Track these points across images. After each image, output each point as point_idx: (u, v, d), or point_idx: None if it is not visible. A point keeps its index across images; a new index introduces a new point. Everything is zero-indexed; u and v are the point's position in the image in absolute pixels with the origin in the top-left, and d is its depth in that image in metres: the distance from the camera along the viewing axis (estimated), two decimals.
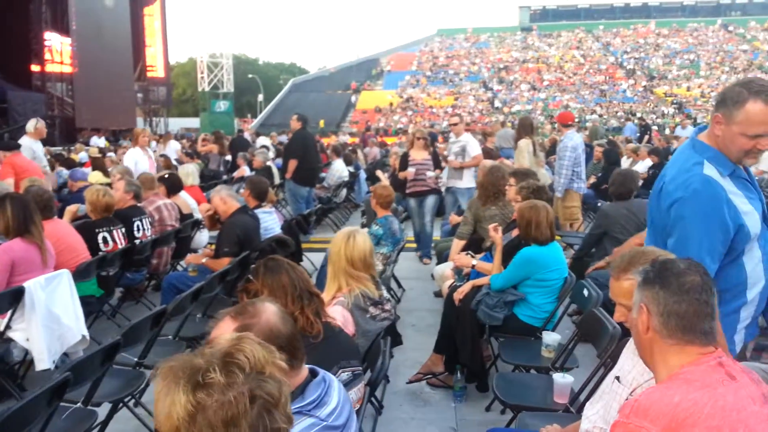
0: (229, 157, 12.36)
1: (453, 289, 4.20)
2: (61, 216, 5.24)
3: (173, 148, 11.81)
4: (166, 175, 6.24)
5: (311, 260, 6.58)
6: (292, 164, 8.11)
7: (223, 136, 13.33)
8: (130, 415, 3.27)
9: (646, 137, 16.16)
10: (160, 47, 35.34)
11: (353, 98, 48.17)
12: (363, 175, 11.89)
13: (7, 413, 2.07)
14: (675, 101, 40.28)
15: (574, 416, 2.60)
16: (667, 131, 27.32)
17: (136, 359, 3.31)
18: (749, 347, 2.93)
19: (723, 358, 1.51)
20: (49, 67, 24.61)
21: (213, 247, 5.16)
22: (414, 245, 7.44)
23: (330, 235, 4.73)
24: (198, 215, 6.12)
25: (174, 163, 10.00)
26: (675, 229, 2.19)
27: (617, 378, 1.98)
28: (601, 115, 37.21)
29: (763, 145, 2.10)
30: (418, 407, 3.84)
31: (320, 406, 1.52)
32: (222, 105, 45.78)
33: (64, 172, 8.74)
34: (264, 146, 12.84)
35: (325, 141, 20.40)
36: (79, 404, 2.74)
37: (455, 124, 7.52)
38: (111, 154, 13.26)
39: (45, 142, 8.88)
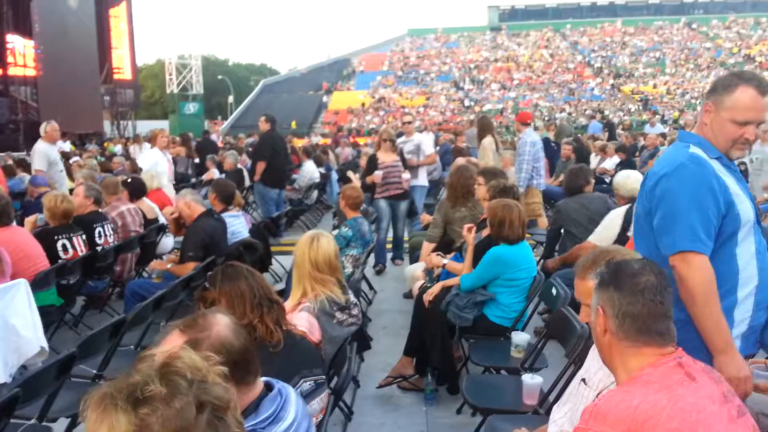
0: (198, 160, 12.16)
1: (423, 290, 4.16)
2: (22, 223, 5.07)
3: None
4: (129, 180, 6.08)
5: (282, 263, 6.49)
6: (261, 166, 8.00)
7: (190, 139, 13.10)
8: None
9: (607, 134, 16.30)
10: (126, 49, 34.74)
11: (325, 99, 47.98)
12: (335, 176, 11.81)
13: None
14: (641, 98, 40.99)
15: (543, 418, 2.57)
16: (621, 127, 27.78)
17: (94, 371, 3.19)
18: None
19: (682, 358, 1.49)
20: (12, 71, 24.02)
21: (179, 252, 5.04)
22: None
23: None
24: (163, 220, 5.98)
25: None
26: (661, 204, 2.07)
27: (583, 380, 1.96)
28: (570, 113, 37.70)
29: (750, 134, 2.08)
30: (388, 411, 3.79)
31: (275, 422, 1.45)
32: (191, 107, 45.21)
33: (27, 177, 8.48)
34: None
35: (297, 142, 20.24)
36: (33, 420, 2.63)
37: (409, 123, 7.61)
38: (77, 158, 12.94)
39: (9, 147, 8.65)
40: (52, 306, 4.44)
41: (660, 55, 48.89)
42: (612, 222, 4.44)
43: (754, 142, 2.17)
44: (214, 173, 10.62)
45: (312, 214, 10.53)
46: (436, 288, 3.99)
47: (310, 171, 10.35)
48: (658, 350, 1.51)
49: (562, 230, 5.13)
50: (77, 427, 2.97)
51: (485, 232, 4.09)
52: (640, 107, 39.63)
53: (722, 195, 2.03)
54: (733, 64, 46.13)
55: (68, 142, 21.21)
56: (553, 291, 3.48)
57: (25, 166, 9.98)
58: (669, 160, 2.13)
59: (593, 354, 2.02)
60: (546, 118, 36.51)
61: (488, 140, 7.73)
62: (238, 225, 5.18)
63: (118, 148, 21.83)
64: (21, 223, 5.12)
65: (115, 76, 33.81)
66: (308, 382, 2.05)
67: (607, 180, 8.78)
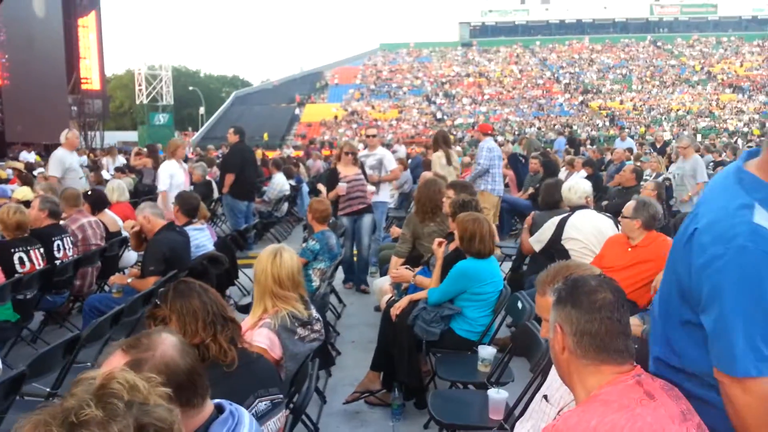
0: None
1: (390, 304, 4.12)
2: None
3: (121, 162, 11.35)
4: (90, 192, 5.93)
5: (250, 277, 6.38)
6: (229, 178, 7.90)
7: (157, 150, 12.89)
8: None
9: (573, 150, 16.51)
10: (95, 59, 34.19)
11: (297, 111, 47.89)
12: (306, 188, 11.74)
13: None
14: (608, 114, 41.86)
15: None
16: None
17: (48, 389, 3.06)
18: None
19: (641, 375, 1.48)
20: None
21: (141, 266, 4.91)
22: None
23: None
24: (126, 233, 5.83)
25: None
26: (713, 303, 1.51)
27: (545, 397, 1.94)
28: (539, 128, 38.26)
29: None
30: (355, 427, 3.73)
31: None
32: (161, 118, 44.71)
33: None
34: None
35: (269, 154, 20.08)
36: None
37: (372, 136, 7.37)
38: (41, 169, 12.61)
39: None
40: (7, 322, 4.29)
41: (626, 71, 50.09)
42: (548, 226, 4.71)
43: None
44: None
45: (282, 226, 10.43)
46: (404, 302, 3.95)
47: (279, 183, 10.26)
48: (616, 368, 1.49)
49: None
50: None
51: (452, 246, 4.07)
52: (607, 123, 40.44)
53: None
54: (697, 81, 47.53)
55: (33, 153, 20.73)
56: (519, 305, 3.48)
57: None
58: (724, 232, 1.52)
59: (555, 370, 2.00)
60: (516, 133, 37.05)
61: (437, 154, 7.82)
62: (202, 238, 5.08)
63: (83, 159, 21.36)
64: None
65: (83, 86, 33.21)
66: (264, 402, 1.98)
67: None
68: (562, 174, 10.47)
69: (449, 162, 7.82)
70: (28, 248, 4.59)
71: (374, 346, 4.19)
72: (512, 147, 17.55)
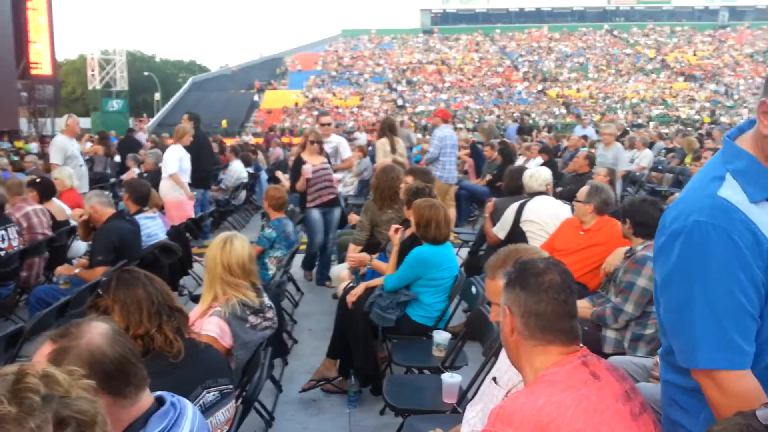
0: (118, 158, 11.64)
1: (347, 291, 4.11)
2: None
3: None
4: (38, 180, 5.72)
5: None
6: None
7: (108, 137, 12.52)
8: None
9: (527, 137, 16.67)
10: (46, 43, 32.89)
11: (257, 98, 47.18)
12: (264, 176, 11.59)
13: None
14: (565, 102, 42.58)
15: (461, 416, 2.57)
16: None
17: None
18: None
19: (587, 356, 1.50)
20: None
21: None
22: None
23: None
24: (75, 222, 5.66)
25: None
26: (669, 286, 1.42)
27: (494, 379, 1.96)
28: (498, 116, 38.63)
29: None
30: (311, 415, 3.71)
31: None
32: (115, 104, 43.52)
33: None
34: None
35: (227, 141, 19.75)
36: None
37: (327, 124, 7.10)
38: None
39: None
40: None
41: (583, 60, 50.94)
42: (509, 212, 4.86)
43: None
44: (134, 173, 10.18)
45: (240, 215, 10.29)
46: (359, 289, 3.95)
47: (237, 171, 10.10)
48: (563, 349, 1.51)
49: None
50: None
51: (408, 232, 4.08)
52: (564, 111, 41.14)
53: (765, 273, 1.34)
54: (651, 69, 48.69)
55: None
56: (473, 290, 3.51)
57: None
58: (683, 208, 1.43)
59: (504, 353, 2.02)
60: (476, 120, 37.36)
61: (381, 141, 7.73)
62: (154, 227, 4.95)
63: (33, 147, 20.62)
64: None
65: (33, 72, 31.93)
66: (212, 393, 1.95)
67: None
68: (520, 160, 10.61)
69: (393, 150, 7.71)
70: None
71: (331, 334, 4.19)
72: (469, 134, 17.69)
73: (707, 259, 1.34)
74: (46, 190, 5.65)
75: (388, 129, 7.90)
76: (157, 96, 49.75)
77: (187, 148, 7.85)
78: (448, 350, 3.31)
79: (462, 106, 42.19)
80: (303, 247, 6.62)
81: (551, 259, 1.63)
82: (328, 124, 7.18)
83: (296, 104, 43.39)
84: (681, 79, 46.73)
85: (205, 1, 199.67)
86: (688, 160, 10.04)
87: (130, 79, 47.82)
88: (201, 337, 2.30)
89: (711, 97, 42.99)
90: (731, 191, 1.39)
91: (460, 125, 34.29)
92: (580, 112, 40.01)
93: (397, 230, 4.09)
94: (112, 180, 11.13)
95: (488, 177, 9.35)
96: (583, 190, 4.21)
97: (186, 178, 7.22)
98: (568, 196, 5.31)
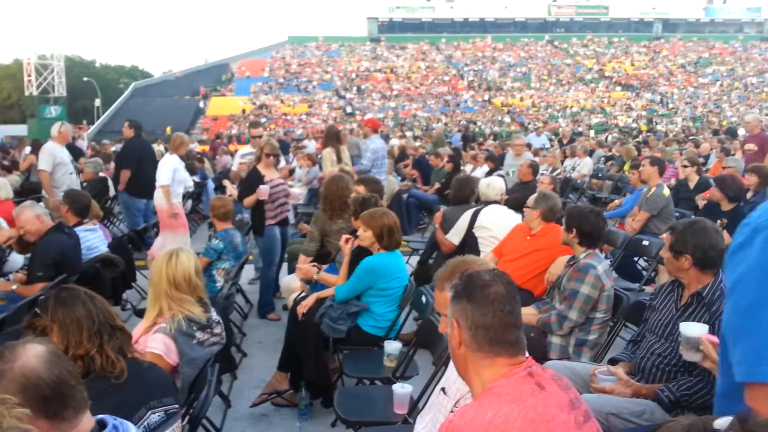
0: None
1: (297, 302, 4.07)
2: None
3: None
4: None
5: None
6: (125, 175, 7.49)
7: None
8: None
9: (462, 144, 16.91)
10: None
11: (202, 104, 46.28)
12: (211, 184, 11.36)
13: None
14: (509, 111, 43.58)
15: (412, 427, 2.58)
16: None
17: None
18: None
19: (532, 367, 1.54)
20: None
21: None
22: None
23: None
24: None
25: None
26: (742, 285, 1.26)
27: (443, 389, 1.98)
28: (446, 124, 39.17)
29: None
30: (261, 430, 3.66)
31: None
32: (53, 110, 41.81)
33: None
34: None
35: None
36: None
37: (258, 137, 6.73)
38: None
39: None
40: None
41: (526, 70, 52.28)
42: (463, 218, 4.97)
43: None
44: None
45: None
46: (310, 300, 3.91)
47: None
48: (509, 360, 1.54)
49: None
50: None
51: (356, 242, 4.07)
52: (508, 119, 42.10)
53: None
54: (590, 79, 50.44)
55: None
56: (423, 299, 3.54)
57: None
58: (762, 213, 1.29)
59: (453, 363, 2.04)
60: (424, 128, 37.77)
61: (327, 151, 7.56)
62: (94, 239, 4.78)
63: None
64: None
65: None
66: (157, 414, 1.89)
67: None
68: (467, 169, 10.79)
69: (339, 159, 7.58)
70: None
71: (281, 346, 4.14)
72: (416, 142, 17.84)
73: None
74: None
75: (333, 138, 7.77)
76: (98, 102, 48.10)
77: (128, 157, 7.64)
78: (399, 360, 3.33)
79: (410, 114, 42.59)
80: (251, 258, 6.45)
81: (496, 271, 1.66)
82: (260, 137, 6.81)
83: (243, 111, 42.79)
84: (618, 88, 48.58)
85: (147, 5, 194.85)
86: (626, 167, 10.42)
87: (69, 84, 46.12)
88: (145, 355, 2.23)
89: (647, 105, 44.84)
90: None
91: (408, 133, 34.59)
92: (524, 120, 41.04)
93: (347, 240, 4.08)
94: None
95: (437, 185, 9.47)
96: (533, 197, 4.39)
97: (181, 189, 7.02)
98: (513, 204, 5.44)
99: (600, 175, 11.13)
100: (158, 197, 6.77)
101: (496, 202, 5.18)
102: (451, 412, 1.87)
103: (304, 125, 39.29)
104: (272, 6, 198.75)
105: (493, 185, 5.26)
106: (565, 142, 15.13)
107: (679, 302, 2.64)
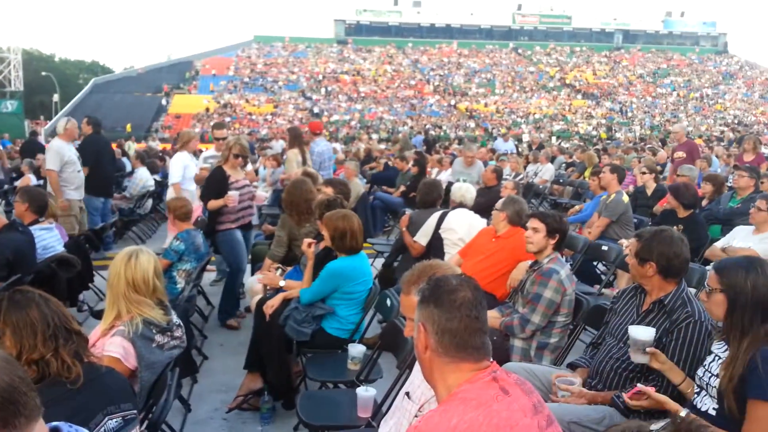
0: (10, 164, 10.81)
1: (261, 302, 4.03)
2: None
3: None
4: None
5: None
6: (83, 173, 7.29)
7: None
8: None
9: (425, 147, 17.02)
10: None
11: (165, 102, 45.44)
12: None
13: None
14: (474, 116, 44.07)
15: (376, 431, 2.58)
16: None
17: None
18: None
19: (497, 372, 1.54)
20: None
21: None
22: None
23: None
24: None
25: None
26: None
27: (407, 394, 1.97)
28: (412, 127, 39.36)
29: None
30: None
31: None
32: (9, 105, 40.44)
33: None
34: None
35: (141, 146, 18.85)
36: None
37: (222, 139, 6.34)
38: None
39: None
40: None
41: (491, 76, 52.97)
42: (431, 221, 5.08)
43: None
44: (30, 179, 9.51)
45: (146, 224, 9.82)
46: (277, 300, 3.87)
47: (143, 178, 9.65)
48: (474, 365, 1.54)
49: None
50: None
51: (322, 245, 4.05)
52: (473, 124, 42.59)
53: None
54: (553, 87, 51.41)
55: None
56: (388, 302, 3.54)
57: None
58: None
59: (418, 367, 2.04)
60: (390, 131, 37.90)
61: (293, 152, 7.46)
62: (50, 239, 4.63)
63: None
64: None
65: None
66: (114, 420, 1.83)
67: None
68: (433, 172, 10.86)
69: (304, 161, 7.46)
70: None
71: (244, 349, 4.09)
72: (381, 145, 17.85)
73: None
74: None
75: (298, 139, 7.64)
76: (56, 98, 46.76)
77: (86, 154, 7.43)
78: (363, 363, 3.31)
79: (376, 117, 42.65)
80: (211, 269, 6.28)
81: (463, 276, 1.66)
82: (224, 138, 6.42)
83: (207, 109, 42.18)
84: (580, 96, 49.64)
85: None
86: (587, 173, 10.64)
87: (26, 79, 44.84)
88: (102, 359, 2.16)
89: (607, 114, 45.93)
90: None
91: (374, 136, 34.64)
92: (487, 125, 41.56)
93: (310, 244, 4.04)
94: (6, 187, 10.31)
95: (402, 188, 9.50)
96: (502, 200, 4.52)
97: (193, 187, 6.79)
98: (477, 209, 5.50)
99: (561, 180, 11.34)
100: (170, 196, 6.53)
101: (463, 205, 5.27)
102: (416, 416, 1.87)
103: (269, 125, 38.96)
104: (238, 5, 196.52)
105: (471, 192, 5.43)
106: (534, 147, 15.38)
107: (640, 308, 2.70)
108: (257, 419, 3.69)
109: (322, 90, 47.92)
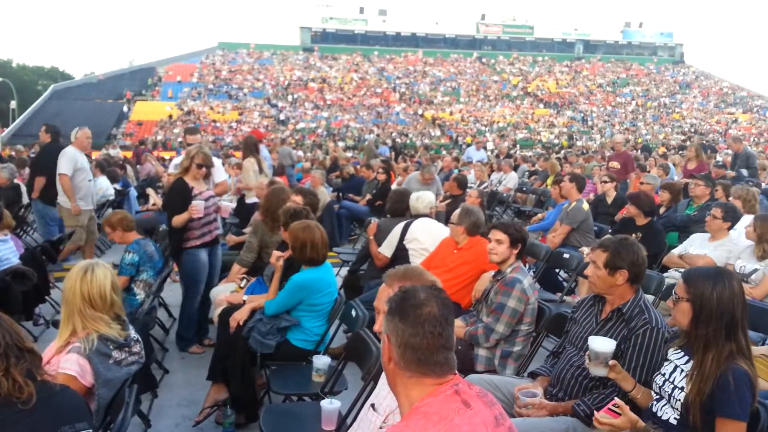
0: None
1: (224, 312, 3.97)
2: None
3: None
4: None
5: None
6: (40, 182, 7.09)
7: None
8: None
9: (393, 155, 17.11)
10: None
11: (126, 108, 44.57)
12: (134, 192, 10.91)
13: None
14: (440, 124, 44.46)
15: None
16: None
17: None
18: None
19: (459, 384, 1.55)
20: None
21: None
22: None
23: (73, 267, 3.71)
24: None
25: None
26: None
27: (372, 405, 1.97)
28: (378, 135, 39.49)
29: None
30: None
31: None
32: None
33: None
34: None
35: (93, 154, 18.40)
36: None
37: (189, 145, 6.33)
38: None
39: None
40: None
41: (456, 85, 53.56)
42: (395, 232, 5.07)
43: None
44: None
45: (105, 235, 9.58)
46: (245, 312, 3.81)
47: (102, 187, 9.42)
48: (437, 380, 1.54)
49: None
50: None
51: (286, 254, 4.02)
52: (439, 132, 42.95)
53: None
54: (516, 96, 52.25)
55: None
56: (353, 313, 3.53)
57: None
58: None
59: (384, 379, 2.04)
60: (357, 139, 37.94)
61: (249, 161, 7.40)
62: (5, 251, 4.48)
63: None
64: None
65: None
66: None
67: None
68: (397, 180, 10.90)
69: (261, 170, 7.43)
70: None
71: (206, 362, 4.03)
72: (347, 152, 17.82)
73: None
74: None
75: (253, 148, 7.53)
76: (13, 104, 45.38)
77: (43, 163, 7.24)
78: (328, 375, 3.29)
79: (342, 125, 42.64)
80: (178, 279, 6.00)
81: (433, 289, 1.64)
82: (189, 145, 6.23)
83: (170, 116, 41.53)
84: (542, 105, 50.55)
85: (70, 4, 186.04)
86: (549, 181, 10.83)
87: None
88: (57, 377, 2.10)
89: (568, 122, 46.86)
90: None
91: (341, 143, 34.62)
92: (453, 134, 41.95)
93: (279, 258, 3.99)
94: None
95: (368, 196, 9.50)
96: (457, 212, 4.47)
97: None
98: (442, 217, 5.54)
99: (524, 189, 11.50)
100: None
101: (426, 215, 5.27)
102: (381, 428, 1.87)
103: (234, 133, 38.56)
104: (202, 10, 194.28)
105: (422, 199, 5.35)
106: (501, 157, 15.57)
107: (599, 316, 2.76)
108: None
109: (289, 97, 47.68)
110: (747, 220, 4.85)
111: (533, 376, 2.94)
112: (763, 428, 2.14)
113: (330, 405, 2.80)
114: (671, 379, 2.29)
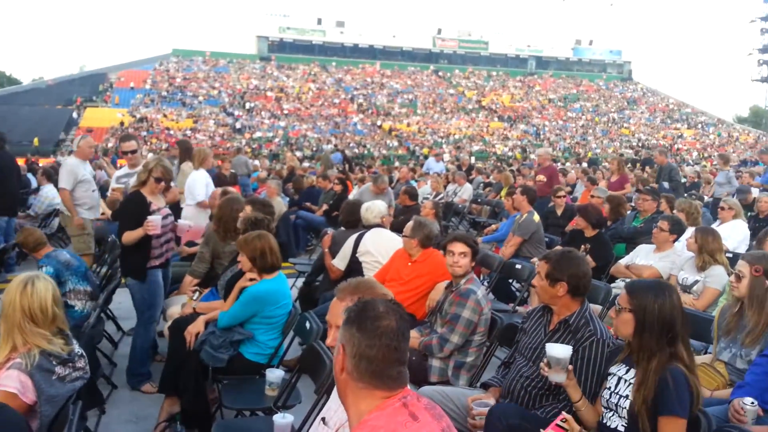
0: None
1: (176, 323, 3.88)
2: None
3: None
4: None
5: None
6: None
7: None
8: None
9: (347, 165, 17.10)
10: None
11: (76, 115, 43.27)
12: None
13: None
14: (397, 135, 44.76)
15: None
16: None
17: None
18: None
19: (407, 397, 1.56)
20: None
21: None
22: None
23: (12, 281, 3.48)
24: None
25: None
26: None
27: (323, 419, 1.96)
28: (336, 145, 39.44)
29: None
30: None
31: None
32: None
33: None
34: None
35: (40, 161, 17.83)
36: None
37: (131, 152, 6.30)
38: None
39: None
40: None
41: (413, 97, 54.08)
42: (347, 245, 5.05)
43: None
44: None
45: (53, 244, 9.23)
46: (200, 324, 3.73)
47: (49, 196, 9.11)
48: (387, 393, 1.55)
49: None
50: None
51: (238, 266, 3.97)
52: (396, 143, 43.23)
53: None
54: (471, 109, 53.11)
55: None
56: (307, 325, 3.50)
57: None
58: None
59: (336, 392, 2.03)
60: (314, 149, 37.81)
61: (188, 165, 7.06)
62: None
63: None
64: None
65: None
66: None
67: None
68: (354, 190, 10.92)
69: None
70: None
71: (157, 375, 3.92)
72: (305, 163, 17.67)
73: None
74: None
75: (188, 153, 7.16)
76: None
77: None
78: (281, 389, 3.25)
79: (300, 134, 42.43)
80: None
81: (391, 303, 1.66)
82: (133, 152, 6.33)
83: (122, 123, 40.51)
84: (497, 119, 51.51)
85: (16, 6, 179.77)
86: (503, 193, 11.02)
87: None
88: None
89: (522, 136, 47.87)
90: None
91: (298, 152, 34.43)
92: (410, 145, 42.28)
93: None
94: None
95: (324, 207, 9.47)
96: (409, 225, 4.48)
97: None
98: (398, 227, 5.56)
99: (479, 200, 11.68)
100: (192, 214, 6.20)
101: (377, 224, 5.24)
102: None
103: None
104: (156, 17, 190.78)
105: (372, 208, 5.29)
106: (464, 168, 15.75)
107: (547, 327, 2.82)
108: None
109: (245, 106, 47.18)
110: (689, 232, 5.04)
111: (486, 386, 2.98)
112: None
113: (283, 419, 2.76)
114: (617, 391, 2.36)
